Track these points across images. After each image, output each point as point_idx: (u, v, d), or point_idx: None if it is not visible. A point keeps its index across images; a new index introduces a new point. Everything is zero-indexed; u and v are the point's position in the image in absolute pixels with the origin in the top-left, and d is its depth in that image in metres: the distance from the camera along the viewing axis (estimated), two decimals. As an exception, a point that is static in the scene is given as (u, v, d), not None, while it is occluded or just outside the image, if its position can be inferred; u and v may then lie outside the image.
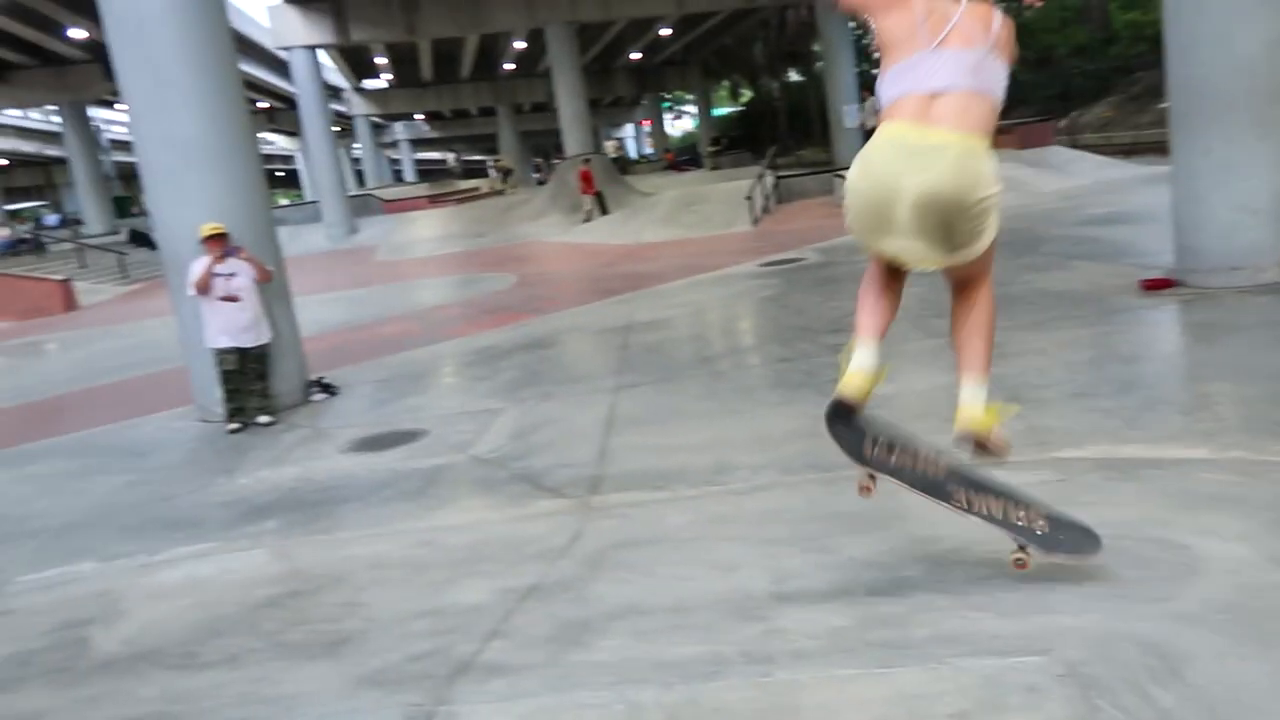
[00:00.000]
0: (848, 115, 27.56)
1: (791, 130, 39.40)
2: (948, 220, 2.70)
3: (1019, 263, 9.72)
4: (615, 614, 3.37)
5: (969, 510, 3.08)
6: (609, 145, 43.69)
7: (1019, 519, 3.07)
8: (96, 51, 31.49)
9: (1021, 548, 3.09)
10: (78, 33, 29.99)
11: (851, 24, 32.91)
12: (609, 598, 3.54)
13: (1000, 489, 3.12)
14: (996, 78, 2.77)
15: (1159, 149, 19.67)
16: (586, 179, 24.91)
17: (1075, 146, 21.04)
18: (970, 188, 2.68)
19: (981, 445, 2.97)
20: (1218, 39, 7.10)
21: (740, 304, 10.52)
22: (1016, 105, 26.42)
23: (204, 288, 7.34)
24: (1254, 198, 7.17)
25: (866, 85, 25.76)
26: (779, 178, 20.99)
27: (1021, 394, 5.44)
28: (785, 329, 8.51)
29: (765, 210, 19.18)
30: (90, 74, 34.33)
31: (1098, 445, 4.57)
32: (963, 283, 3.07)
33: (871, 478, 3.11)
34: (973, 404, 2.94)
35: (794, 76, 46.78)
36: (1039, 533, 3.08)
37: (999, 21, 2.84)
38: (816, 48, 37.47)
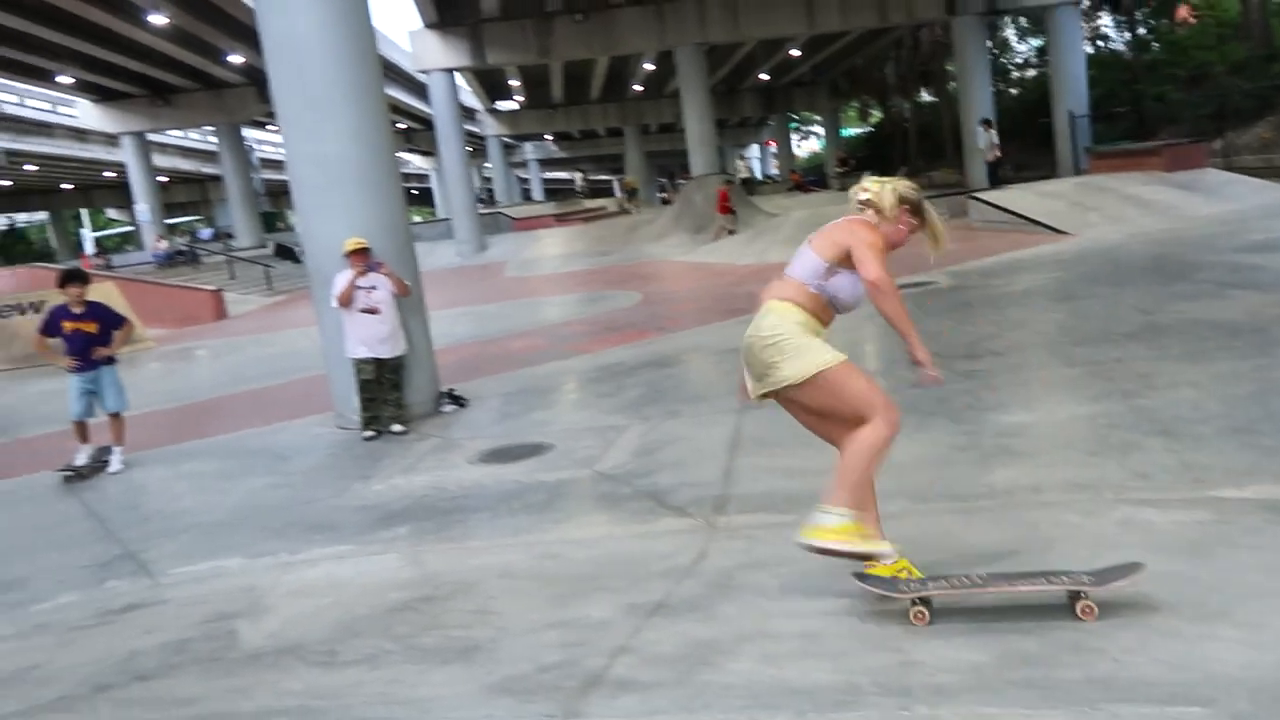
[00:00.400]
0: (980, 135, 26.86)
1: (922, 151, 38.62)
2: (747, 356, 3.66)
3: (1169, 290, 9.25)
4: (744, 636, 3.34)
5: (1014, 588, 3.27)
6: (739, 165, 43.62)
7: (1064, 580, 3.24)
8: (252, 75, 33.48)
9: (1079, 595, 3.17)
10: (236, 58, 31.91)
11: (988, 42, 32.07)
12: (737, 619, 3.50)
13: (1040, 571, 3.35)
14: (803, 264, 3.67)
15: (1325, 172, 18.44)
16: (723, 198, 25.22)
17: (1231, 169, 19.91)
18: (756, 333, 3.60)
19: (824, 552, 3.42)
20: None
21: (867, 327, 10.31)
22: (1166, 125, 25.17)
23: (346, 300, 7.65)
24: None
25: (996, 122, 24.88)
26: (909, 199, 20.54)
27: (1173, 428, 5.16)
28: (916, 353, 8.29)
29: (894, 232, 18.81)
30: (245, 96, 36.48)
31: (1260, 485, 4.28)
32: (824, 419, 3.63)
33: (924, 603, 3.30)
34: (810, 522, 3.46)
35: (925, 97, 45.85)
36: (1087, 580, 3.20)
37: (830, 229, 3.75)
38: (950, 67, 36.65)
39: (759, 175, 63.19)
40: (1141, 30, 33.99)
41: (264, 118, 37.73)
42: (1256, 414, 5.26)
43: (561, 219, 38.44)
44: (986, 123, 23.42)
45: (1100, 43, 36.91)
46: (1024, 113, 32.89)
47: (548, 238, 31.31)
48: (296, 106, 7.91)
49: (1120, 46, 35.57)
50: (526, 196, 68.40)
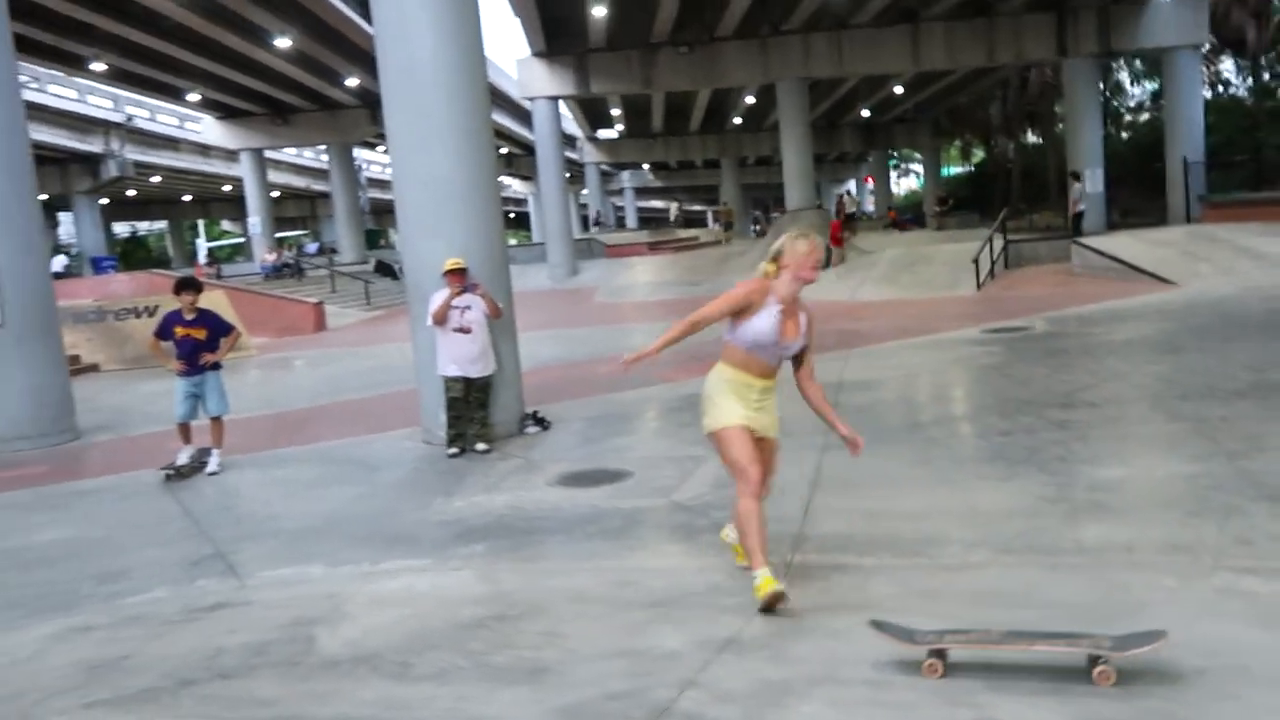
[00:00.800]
0: (1090, 179, 26.17)
1: (1025, 193, 37.73)
2: None
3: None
4: (815, 679, 3.28)
5: (1032, 647, 3.22)
6: (846, 199, 43.24)
7: (1083, 644, 3.18)
8: (365, 97, 34.73)
9: (1098, 659, 3.10)
10: (351, 81, 33.17)
11: (1100, 85, 31.25)
12: (808, 661, 3.45)
13: (1060, 632, 3.31)
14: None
15: None
16: (836, 229, 25.85)
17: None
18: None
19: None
20: None
21: (959, 370, 10.12)
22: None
23: (441, 319, 7.83)
24: None
25: (1106, 166, 24.51)
26: (1009, 241, 20.15)
27: (1281, 493, 4.91)
28: (1007, 400, 8.10)
29: (991, 275, 18.43)
30: (358, 118, 37.86)
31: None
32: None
33: (938, 656, 3.25)
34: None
35: (1031, 138, 44.86)
36: (1109, 645, 3.13)
37: None
38: (1059, 108, 35.82)
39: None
40: (1266, 76, 32.71)
41: (374, 139, 39.08)
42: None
43: (654, 247, 38.71)
44: (1075, 175, 23.53)
45: (1220, 88, 35.64)
46: (1136, 157, 31.93)
47: (639, 265, 31.53)
48: (407, 128, 8.18)
49: (1242, 93, 34.28)
50: (620, 224, 69.12)
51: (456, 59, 8.07)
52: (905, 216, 43.35)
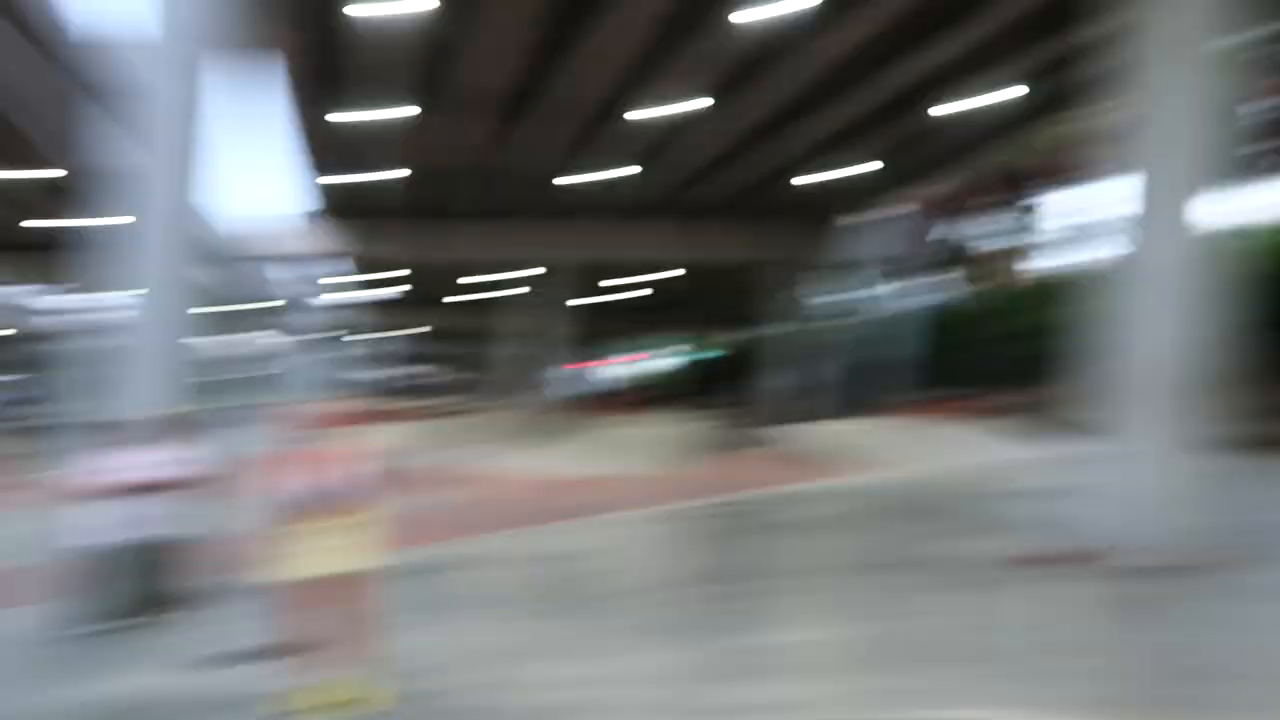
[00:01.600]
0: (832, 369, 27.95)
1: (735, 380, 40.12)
2: None
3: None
4: None
5: None
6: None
7: None
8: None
9: None
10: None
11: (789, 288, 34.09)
12: None
13: None
14: None
15: None
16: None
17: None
18: None
19: None
20: None
21: (638, 547, 10.29)
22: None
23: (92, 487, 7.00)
24: None
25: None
26: (713, 425, 21.25)
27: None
28: (677, 574, 8.31)
29: (695, 457, 19.27)
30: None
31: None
32: None
33: None
34: None
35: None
36: None
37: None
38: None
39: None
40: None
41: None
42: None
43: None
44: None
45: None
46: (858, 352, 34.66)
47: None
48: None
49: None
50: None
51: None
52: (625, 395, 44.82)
